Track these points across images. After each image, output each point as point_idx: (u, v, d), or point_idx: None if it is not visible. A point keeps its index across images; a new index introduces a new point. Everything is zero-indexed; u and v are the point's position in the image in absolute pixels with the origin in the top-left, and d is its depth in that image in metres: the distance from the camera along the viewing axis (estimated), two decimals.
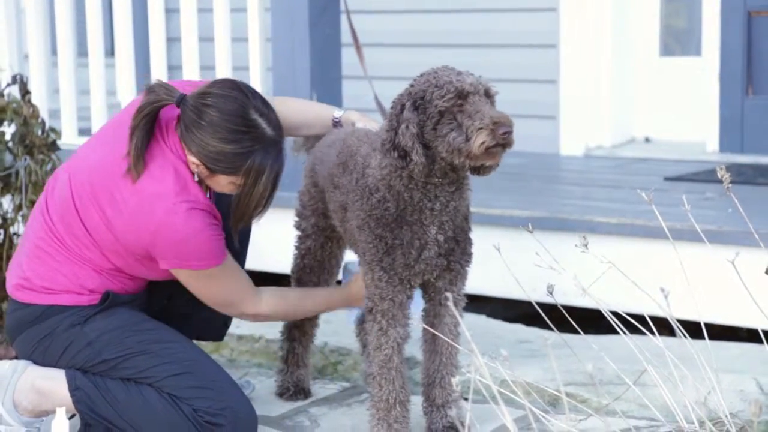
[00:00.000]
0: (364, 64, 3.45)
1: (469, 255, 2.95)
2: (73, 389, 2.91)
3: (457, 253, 2.91)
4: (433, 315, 3.00)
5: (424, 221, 2.84)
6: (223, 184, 2.87)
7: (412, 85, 2.80)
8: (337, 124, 3.22)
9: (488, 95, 2.76)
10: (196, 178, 2.86)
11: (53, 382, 2.96)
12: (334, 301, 3.23)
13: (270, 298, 3.07)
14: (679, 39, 5.97)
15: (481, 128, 2.68)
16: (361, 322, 3.45)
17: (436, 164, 2.77)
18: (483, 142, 2.67)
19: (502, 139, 2.67)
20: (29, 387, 2.97)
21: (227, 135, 2.78)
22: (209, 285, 2.93)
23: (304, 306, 3.19)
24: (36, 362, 3.00)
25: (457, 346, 2.98)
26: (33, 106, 4.07)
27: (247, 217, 2.90)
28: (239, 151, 2.79)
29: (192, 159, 2.83)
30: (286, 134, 3.27)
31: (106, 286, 2.92)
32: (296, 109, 3.29)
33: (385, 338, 2.90)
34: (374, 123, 3.17)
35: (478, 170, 2.80)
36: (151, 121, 2.84)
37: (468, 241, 2.94)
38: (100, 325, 2.91)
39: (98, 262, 2.90)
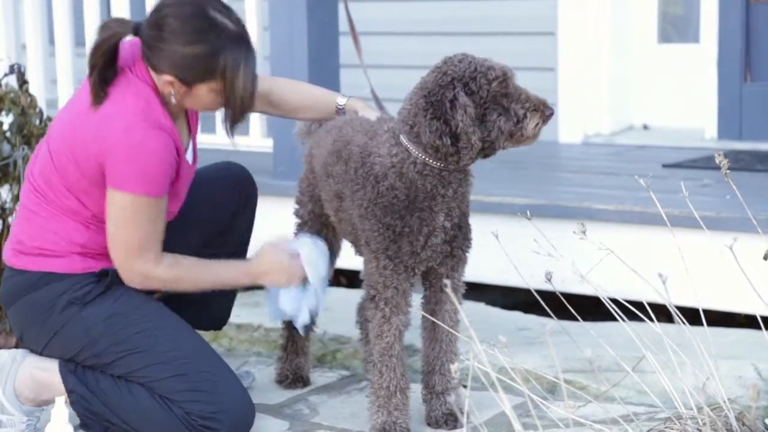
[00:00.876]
0: (362, 55, 3.44)
1: (470, 240, 2.98)
2: (69, 391, 2.91)
3: (459, 238, 2.93)
4: (434, 302, 3.01)
5: (434, 208, 2.85)
6: (204, 96, 2.82)
7: (446, 73, 2.79)
8: (340, 111, 3.20)
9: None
10: (173, 101, 2.82)
11: (50, 374, 2.96)
12: (238, 276, 3.04)
13: (172, 262, 2.92)
14: (677, 26, 5.97)
15: (534, 110, 2.78)
16: (361, 309, 3.45)
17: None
18: (537, 124, 2.78)
19: (548, 118, 2.79)
20: (28, 377, 2.98)
21: (192, 37, 2.74)
22: (129, 218, 2.81)
23: (200, 275, 2.97)
24: (28, 337, 2.97)
25: (456, 333, 2.99)
26: (31, 95, 4.07)
27: (238, 117, 2.84)
28: (208, 50, 2.75)
29: (165, 78, 2.78)
30: (284, 115, 3.27)
31: (96, 241, 2.87)
32: (297, 90, 3.28)
33: (387, 326, 2.91)
34: (377, 113, 3.15)
35: (488, 154, 2.85)
36: (109, 58, 2.79)
37: (468, 227, 2.96)
38: (98, 310, 2.88)
39: (79, 210, 2.86)
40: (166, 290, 3.00)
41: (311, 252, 3.05)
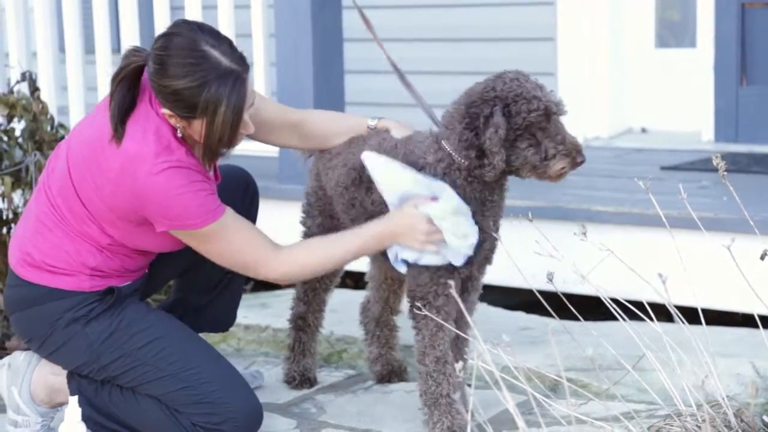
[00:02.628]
0: (373, 30, 3.36)
1: (496, 243, 2.99)
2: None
3: (494, 242, 2.97)
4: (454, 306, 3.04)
5: (485, 213, 2.89)
6: (201, 131, 2.76)
7: (493, 88, 2.80)
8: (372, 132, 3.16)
9: (562, 114, 2.83)
10: (180, 134, 2.78)
11: (63, 378, 2.98)
12: (371, 242, 2.92)
13: (291, 252, 2.90)
14: (673, 31, 6.03)
15: (565, 154, 2.78)
16: (365, 309, 3.51)
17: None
18: (563, 168, 2.79)
19: (577, 165, 2.79)
20: (42, 380, 3.01)
21: (179, 70, 2.68)
22: (214, 245, 2.82)
23: (332, 254, 2.93)
24: (33, 346, 2.96)
25: (463, 335, 3.02)
26: (42, 102, 4.13)
27: (212, 153, 2.78)
28: (192, 84, 2.68)
29: (166, 112, 2.75)
30: (315, 146, 3.22)
31: (107, 264, 2.87)
32: (324, 118, 3.24)
33: (441, 334, 2.91)
34: (409, 130, 3.11)
35: (515, 174, 2.88)
36: (127, 87, 2.76)
37: (497, 230, 3.00)
38: (101, 326, 2.87)
39: (97, 237, 2.84)
40: (304, 279, 3.03)
41: (451, 206, 2.86)
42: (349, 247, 2.92)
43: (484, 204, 2.89)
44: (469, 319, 2.93)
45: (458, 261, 2.88)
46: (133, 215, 2.80)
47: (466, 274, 2.98)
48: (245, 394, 2.92)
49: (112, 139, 2.76)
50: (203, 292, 3.22)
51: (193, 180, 2.76)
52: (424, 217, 2.85)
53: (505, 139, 2.77)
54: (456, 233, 2.84)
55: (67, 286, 2.86)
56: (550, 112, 2.79)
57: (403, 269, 2.95)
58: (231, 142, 2.77)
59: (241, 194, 3.21)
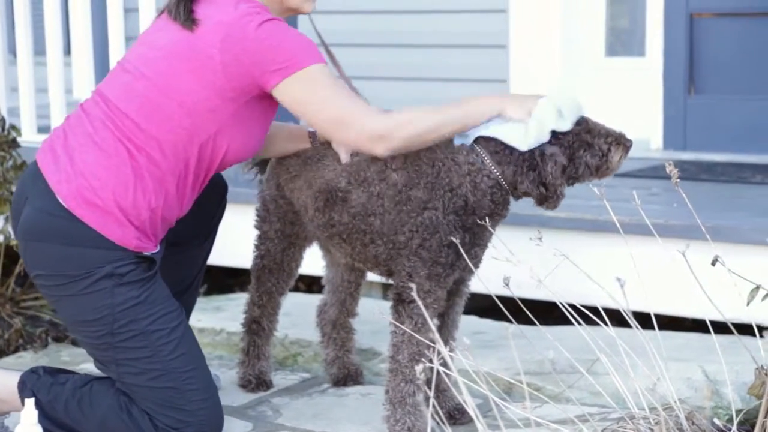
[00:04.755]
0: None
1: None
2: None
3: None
4: (449, 305, 3.09)
5: (493, 226, 2.94)
6: None
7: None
8: (313, 138, 3.16)
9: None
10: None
11: (8, 389, 2.94)
12: (482, 109, 2.88)
13: (392, 113, 2.83)
14: (623, 40, 6.11)
15: (617, 143, 2.89)
16: (321, 312, 3.52)
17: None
18: (621, 156, 2.90)
19: (628, 149, 2.89)
20: None
21: None
22: (321, 93, 2.79)
23: (441, 120, 2.84)
24: (41, 281, 2.87)
25: (421, 338, 3.04)
26: None
27: None
28: None
29: None
30: (266, 154, 3.23)
31: (166, 207, 2.84)
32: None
33: (423, 330, 2.92)
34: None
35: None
36: None
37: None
38: (130, 292, 2.80)
39: (182, 150, 2.81)
40: (410, 144, 2.84)
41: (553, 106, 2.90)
42: (454, 112, 2.86)
43: (500, 214, 2.97)
44: (456, 322, 2.99)
45: (524, 146, 2.87)
46: (245, 82, 2.78)
47: (458, 277, 3.01)
48: (219, 408, 2.92)
49: (193, 25, 2.79)
50: None
51: (294, 29, 2.81)
52: (531, 96, 2.92)
53: (565, 164, 2.87)
54: (542, 122, 2.87)
55: (115, 237, 2.79)
56: (585, 117, 2.92)
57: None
58: None
59: (218, 199, 3.24)
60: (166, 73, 2.81)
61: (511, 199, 2.98)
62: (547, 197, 2.89)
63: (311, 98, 2.80)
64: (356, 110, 2.81)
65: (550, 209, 2.94)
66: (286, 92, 2.80)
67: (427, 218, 2.90)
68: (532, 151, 2.86)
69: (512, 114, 2.87)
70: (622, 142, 2.91)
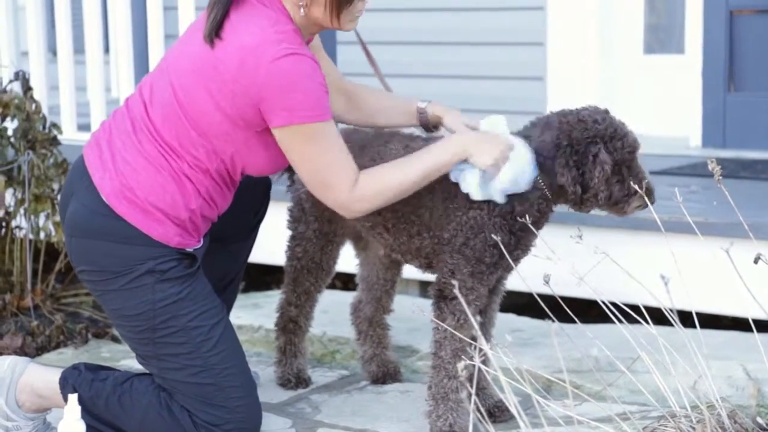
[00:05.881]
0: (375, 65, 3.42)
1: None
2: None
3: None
4: (487, 303, 3.10)
5: (538, 227, 2.95)
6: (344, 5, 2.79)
7: (588, 128, 2.86)
8: (422, 114, 3.10)
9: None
10: (302, 12, 2.79)
11: (51, 386, 2.95)
12: (444, 158, 2.86)
13: (366, 178, 2.84)
14: (662, 37, 6.07)
15: (640, 194, 2.86)
16: (356, 309, 3.53)
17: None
18: (639, 206, 2.88)
19: (646, 206, 2.86)
20: (29, 389, 2.97)
21: None
22: (313, 149, 2.78)
23: (407, 176, 2.86)
24: (86, 276, 2.89)
25: (463, 336, 3.04)
26: (35, 101, 4.14)
27: (346, 8, 2.81)
28: None
29: None
30: (361, 121, 3.18)
31: (204, 208, 2.85)
32: (376, 92, 3.18)
33: (466, 326, 2.93)
34: (463, 117, 3.05)
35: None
36: None
37: None
38: (171, 288, 2.82)
39: (205, 162, 2.81)
40: (380, 206, 2.90)
41: (523, 155, 2.88)
42: (423, 170, 2.86)
43: (546, 220, 2.98)
44: (493, 319, 2.99)
45: (500, 197, 2.88)
46: (250, 114, 2.76)
47: (500, 275, 3.03)
48: (258, 405, 2.93)
49: (219, 42, 2.75)
50: None
51: (315, 70, 2.74)
52: (502, 139, 2.87)
53: (610, 174, 2.87)
54: (517, 172, 2.86)
55: (157, 234, 2.81)
56: (635, 149, 2.90)
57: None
58: None
59: (262, 195, 3.25)
60: (188, 88, 2.80)
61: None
62: (584, 200, 2.89)
63: (304, 153, 2.80)
64: (341, 180, 2.82)
65: (582, 212, 2.94)
66: (283, 138, 2.80)
67: (472, 218, 2.90)
68: (584, 152, 2.85)
69: (477, 161, 2.85)
70: (648, 194, 2.87)
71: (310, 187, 2.88)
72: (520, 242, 2.94)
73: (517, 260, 2.98)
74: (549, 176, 2.89)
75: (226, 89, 2.75)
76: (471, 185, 2.88)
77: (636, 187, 2.85)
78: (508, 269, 3.00)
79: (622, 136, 2.88)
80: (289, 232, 3.37)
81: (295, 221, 3.35)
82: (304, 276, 3.36)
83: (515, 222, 2.90)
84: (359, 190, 2.83)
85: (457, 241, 2.92)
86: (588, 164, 2.85)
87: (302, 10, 2.81)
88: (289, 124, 2.75)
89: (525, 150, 2.88)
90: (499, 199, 2.89)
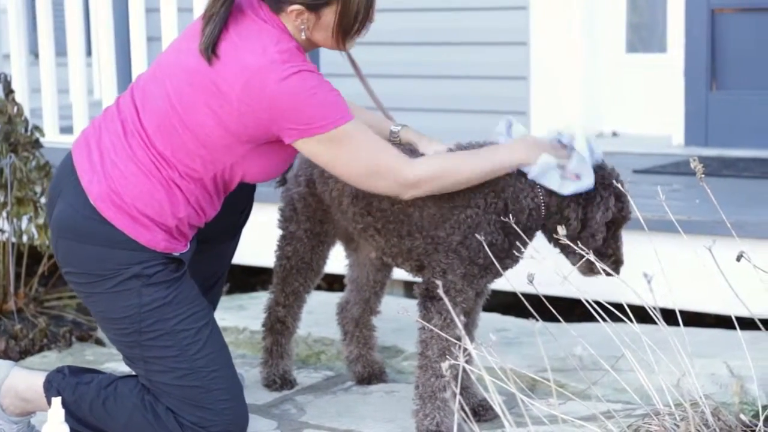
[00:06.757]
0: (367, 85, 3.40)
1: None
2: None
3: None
4: (472, 305, 3.10)
5: (530, 237, 2.95)
6: (331, 24, 2.77)
7: (612, 172, 2.91)
8: (393, 137, 3.07)
9: None
10: (304, 35, 2.78)
11: (35, 389, 2.94)
12: (508, 161, 2.89)
13: (425, 160, 2.85)
14: (644, 36, 6.09)
15: (613, 262, 2.92)
16: (342, 310, 3.53)
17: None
18: (601, 271, 2.81)
19: (601, 275, 2.85)
20: (13, 392, 2.96)
21: None
22: (347, 151, 2.76)
23: (470, 169, 2.86)
24: (73, 278, 2.87)
25: (449, 337, 3.04)
26: (17, 104, 4.12)
27: (345, 35, 2.79)
28: None
29: (293, 8, 2.74)
30: None
31: (191, 217, 2.84)
32: (353, 108, 3.13)
33: (452, 326, 2.94)
34: (437, 144, 3.03)
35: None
36: (228, 9, 2.74)
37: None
38: (157, 292, 2.82)
39: (198, 173, 2.79)
40: (436, 192, 2.88)
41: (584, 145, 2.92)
42: (490, 162, 2.87)
43: (538, 229, 2.98)
44: (476, 321, 3.00)
45: (566, 189, 2.90)
46: (259, 132, 2.76)
47: (491, 280, 3.03)
48: (245, 408, 2.92)
49: (218, 59, 2.73)
50: None
51: (322, 82, 2.73)
52: (548, 142, 2.93)
53: (608, 220, 2.89)
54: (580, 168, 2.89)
55: (144, 240, 2.80)
56: (629, 219, 2.94)
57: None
58: (364, 22, 2.80)
59: (245, 197, 3.22)
60: (187, 101, 2.77)
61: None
62: (581, 237, 2.89)
63: (335, 158, 2.79)
64: (389, 162, 2.80)
65: (565, 252, 2.94)
66: (305, 148, 2.78)
67: (470, 216, 2.90)
68: (594, 193, 2.88)
69: (548, 160, 2.89)
70: (615, 268, 2.92)
71: (359, 185, 2.88)
72: (512, 246, 2.93)
73: (506, 268, 2.97)
74: (552, 197, 2.91)
75: (230, 108, 2.73)
76: (555, 182, 2.90)
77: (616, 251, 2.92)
78: (497, 275, 3.00)
79: (626, 200, 2.91)
80: (279, 232, 3.37)
81: (286, 221, 3.35)
82: (294, 276, 3.36)
83: (508, 224, 2.90)
84: (417, 172, 2.81)
85: (453, 240, 2.92)
86: (594, 204, 2.87)
87: (304, 33, 2.80)
88: (304, 137, 2.75)
89: (582, 138, 2.92)
90: (583, 187, 2.89)
